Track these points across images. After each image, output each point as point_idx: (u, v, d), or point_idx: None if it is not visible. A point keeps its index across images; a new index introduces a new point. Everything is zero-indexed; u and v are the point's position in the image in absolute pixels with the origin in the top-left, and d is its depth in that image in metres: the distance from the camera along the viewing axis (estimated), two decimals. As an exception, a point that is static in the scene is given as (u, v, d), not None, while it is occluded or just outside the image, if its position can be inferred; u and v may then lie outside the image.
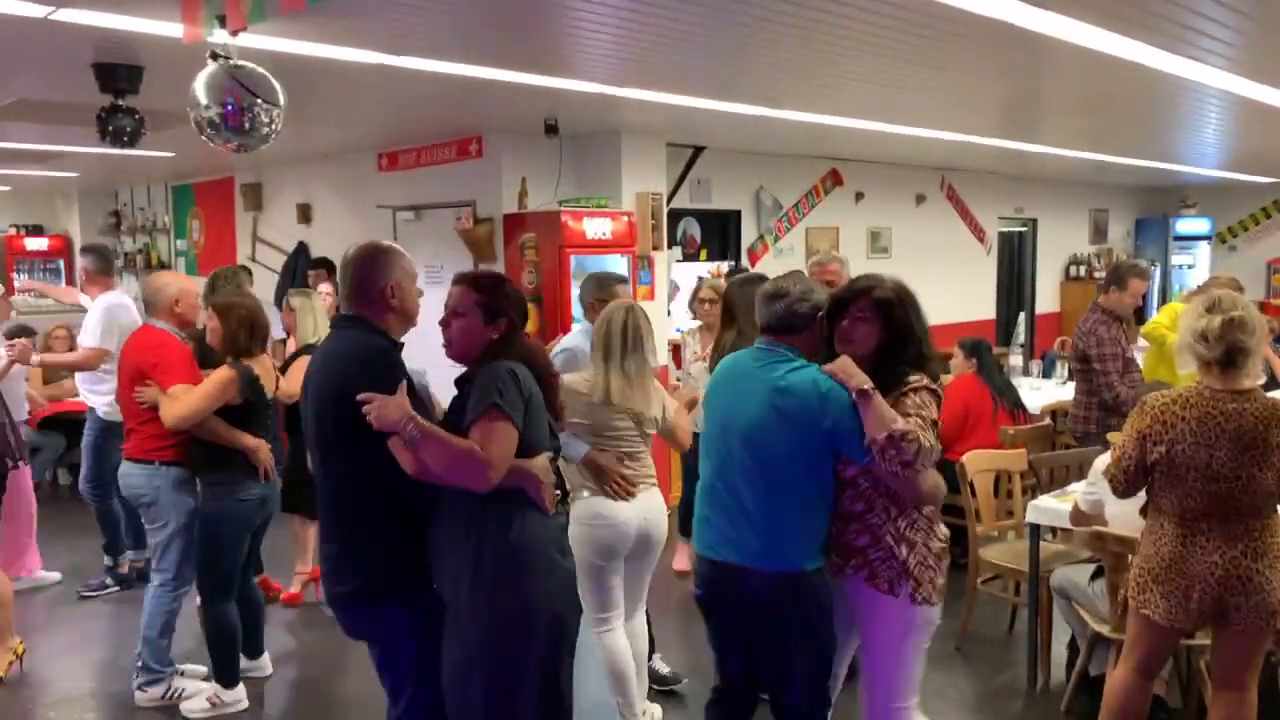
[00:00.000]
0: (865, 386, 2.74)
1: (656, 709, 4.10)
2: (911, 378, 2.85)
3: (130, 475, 4.20)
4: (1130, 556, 3.63)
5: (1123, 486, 3.30)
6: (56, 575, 5.90)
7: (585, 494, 3.65)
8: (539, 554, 2.78)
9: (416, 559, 2.79)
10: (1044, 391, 7.24)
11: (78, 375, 5.82)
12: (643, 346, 3.64)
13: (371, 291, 2.82)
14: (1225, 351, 3.11)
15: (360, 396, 2.58)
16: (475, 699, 2.75)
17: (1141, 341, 6.38)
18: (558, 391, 2.98)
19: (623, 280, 4.48)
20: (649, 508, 3.73)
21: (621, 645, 3.79)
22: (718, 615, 3.09)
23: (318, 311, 5.40)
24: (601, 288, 4.16)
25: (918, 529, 2.89)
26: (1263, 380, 5.39)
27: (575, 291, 6.67)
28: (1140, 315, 11.80)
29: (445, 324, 2.87)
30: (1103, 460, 4.02)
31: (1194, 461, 3.11)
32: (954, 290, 10.58)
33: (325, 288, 6.90)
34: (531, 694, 2.76)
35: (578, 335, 4.21)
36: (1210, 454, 3.09)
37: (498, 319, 2.82)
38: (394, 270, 2.85)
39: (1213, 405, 3.11)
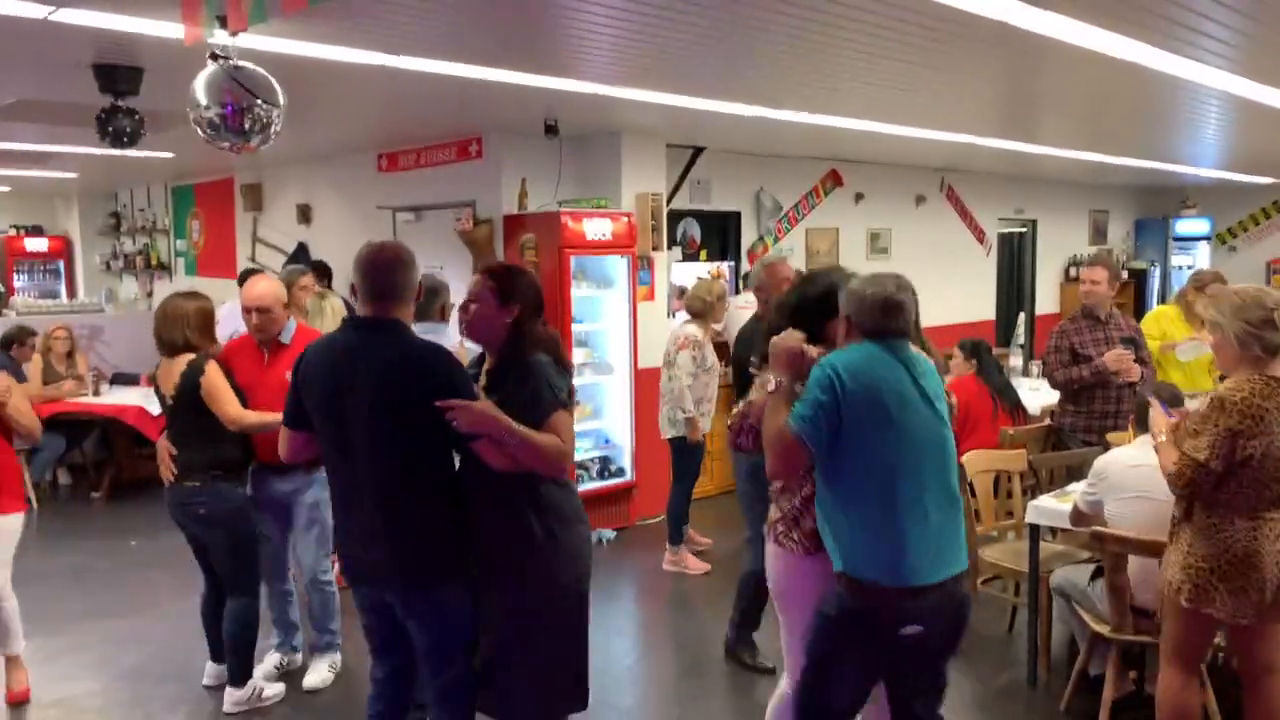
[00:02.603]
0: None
1: None
2: None
3: None
4: (1129, 557, 3.63)
5: (1209, 486, 3.14)
6: None
7: None
8: (571, 512, 3.11)
9: (467, 537, 3.02)
10: (1043, 392, 7.21)
11: None
12: None
13: (410, 293, 3.00)
14: None
15: (443, 403, 2.77)
16: (542, 647, 3.05)
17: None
18: (570, 378, 3.22)
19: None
20: None
21: None
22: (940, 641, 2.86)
23: (327, 315, 5.36)
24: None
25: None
26: None
27: (575, 292, 6.72)
28: (1139, 311, 11.87)
29: (464, 309, 3.11)
30: (1103, 461, 4.03)
31: (1278, 450, 3.08)
32: (954, 291, 10.58)
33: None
34: (583, 633, 3.16)
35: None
36: None
37: (509, 303, 3.05)
38: (418, 272, 3.08)
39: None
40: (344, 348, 2.98)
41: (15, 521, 4.25)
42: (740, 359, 4.72)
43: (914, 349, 2.94)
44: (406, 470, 2.93)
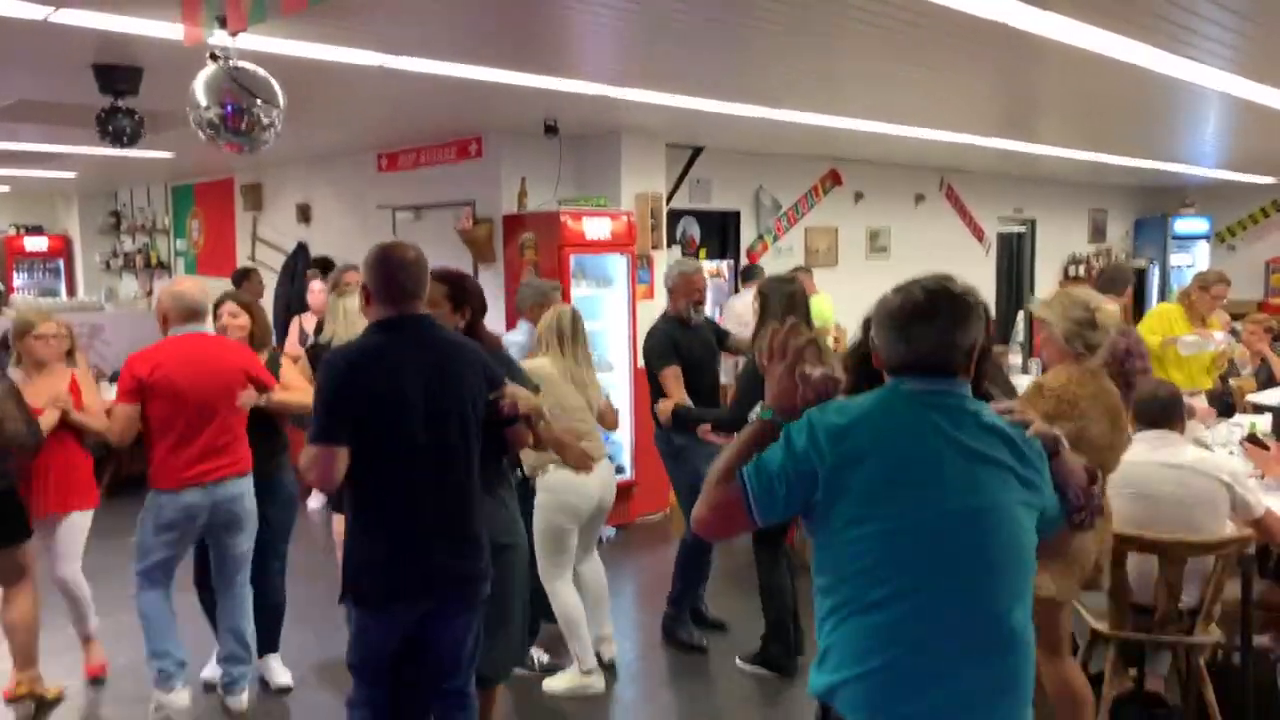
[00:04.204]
0: (1052, 430, 2.18)
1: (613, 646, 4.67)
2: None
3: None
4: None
5: None
6: None
7: (552, 467, 4.21)
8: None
9: None
10: (1043, 391, 7.25)
11: None
12: (585, 340, 4.41)
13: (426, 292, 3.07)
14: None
15: (499, 392, 3.03)
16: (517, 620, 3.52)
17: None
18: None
19: (556, 287, 5.36)
20: (606, 478, 4.46)
21: (574, 596, 4.38)
22: None
23: (351, 315, 5.31)
24: (540, 294, 5.03)
25: None
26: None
27: (575, 291, 6.72)
28: (1139, 310, 11.90)
29: None
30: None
31: (1089, 435, 3.25)
32: (953, 290, 10.56)
33: (318, 285, 6.75)
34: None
35: (522, 333, 5.18)
36: (1097, 428, 3.30)
37: (462, 307, 3.35)
38: None
39: (1095, 384, 3.34)
40: (394, 347, 2.87)
41: (85, 518, 4.61)
42: (647, 353, 4.98)
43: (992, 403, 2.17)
44: (479, 465, 3.00)
